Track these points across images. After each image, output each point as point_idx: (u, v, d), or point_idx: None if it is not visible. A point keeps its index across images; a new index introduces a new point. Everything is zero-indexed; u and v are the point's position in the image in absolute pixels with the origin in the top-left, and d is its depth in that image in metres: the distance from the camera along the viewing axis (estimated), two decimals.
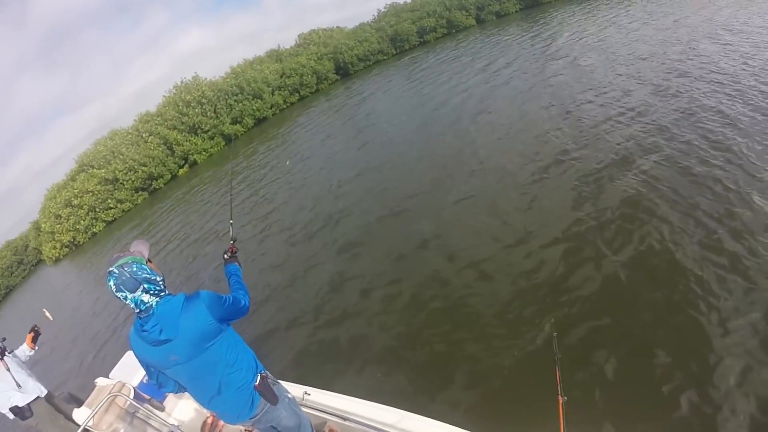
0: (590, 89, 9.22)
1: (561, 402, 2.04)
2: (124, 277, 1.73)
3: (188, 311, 1.79)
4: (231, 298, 1.99)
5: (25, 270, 27.30)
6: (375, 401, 2.64)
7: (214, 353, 1.86)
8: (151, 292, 1.79)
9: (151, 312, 1.78)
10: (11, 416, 3.61)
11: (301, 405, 2.54)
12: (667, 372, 3.07)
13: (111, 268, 1.75)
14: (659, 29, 12.69)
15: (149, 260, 1.88)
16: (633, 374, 3.17)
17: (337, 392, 2.81)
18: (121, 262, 1.78)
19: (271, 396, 2.04)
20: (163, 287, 1.85)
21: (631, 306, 3.74)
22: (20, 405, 3.60)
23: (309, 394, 2.81)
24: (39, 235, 24.99)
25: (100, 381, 3.32)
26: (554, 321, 3.64)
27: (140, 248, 1.91)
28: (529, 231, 5.24)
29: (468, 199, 6.59)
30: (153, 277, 1.81)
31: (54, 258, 23.22)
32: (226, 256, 2.35)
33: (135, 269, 1.77)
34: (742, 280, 3.52)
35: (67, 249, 22.96)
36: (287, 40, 36.46)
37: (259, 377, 2.01)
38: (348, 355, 4.48)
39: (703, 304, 3.46)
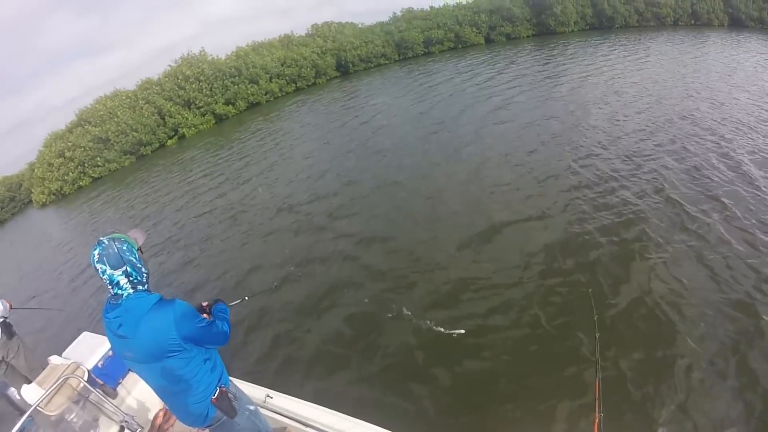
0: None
1: (598, 420, 1.87)
2: (111, 250, 1.71)
3: (153, 316, 1.72)
4: (207, 322, 1.93)
5: (15, 207, 28.91)
6: (338, 410, 2.63)
7: (170, 366, 1.79)
8: (131, 278, 1.75)
9: (120, 302, 1.74)
10: None
11: (261, 408, 2.55)
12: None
13: (101, 238, 1.73)
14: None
15: (140, 249, 1.87)
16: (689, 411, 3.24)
17: (300, 398, 2.81)
18: (114, 236, 1.77)
19: (229, 410, 1.99)
20: (144, 281, 1.81)
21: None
22: (8, 320, 3.61)
23: (271, 398, 2.79)
24: (32, 177, 26.56)
25: (54, 359, 3.18)
26: (598, 323, 3.15)
27: (136, 235, 1.89)
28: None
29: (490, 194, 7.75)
30: (139, 265, 1.79)
31: (41, 203, 24.73)
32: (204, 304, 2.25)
33: (125, 248, 1.75)
34: None
35: (54, 196, 24.38)
36: (318, 19, 36.93)
37: (218, 391, 1.96)
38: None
39: None
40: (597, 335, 2.54)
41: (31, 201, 27.52)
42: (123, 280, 1.73)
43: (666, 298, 4.65)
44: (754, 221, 5.85)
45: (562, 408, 3.49)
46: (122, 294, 1.74)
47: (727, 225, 5.84)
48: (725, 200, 6.44)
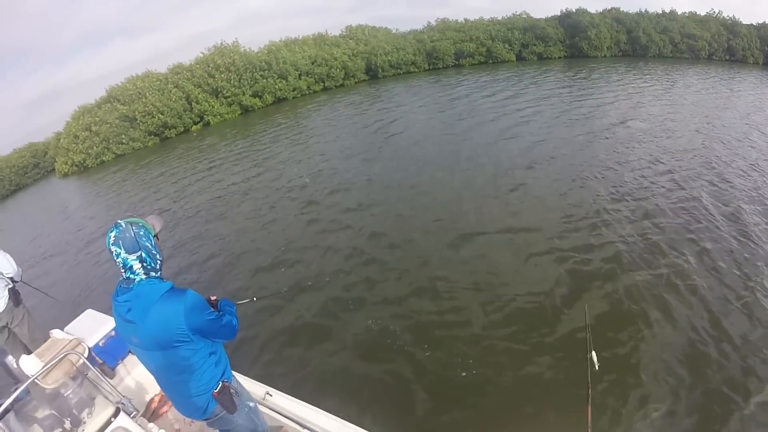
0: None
1: None
2: (127, 234, 1.70)
3: (164, 305, 1.70)
4: (217, 314, 1.91)
5: (38, 174, 29.59)
6: (336, 414, 2.62)
7: (175, 356, 1.78)
8: (145, 264, 1.74)
9: (131, 287, 1.73)
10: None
11: (260, 405, 2.56)
12: None
13: (119, 221, 1.73)
14: None
15: (157, 236, 1.86)
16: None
17: (300, 398, 2.79)
18: (132, 220, 1.76)
19: (229, 405, 1.99)
20: (158, 268, 1.81)
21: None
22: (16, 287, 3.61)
23: (271, 396, 2.79)
24: (57, 147, 27.17)
25: (56, 333, 3.13)
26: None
27: (153, 221, 1.90)
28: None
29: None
30: (154, 252, 1.78)
31: (63, 172, 25.24)
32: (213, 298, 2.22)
33: (142, 233, 1.74)
34: None
35: (76, 168, 24.88)
36: (353, 22, 37.68)
37: (220, 385, 1.95)
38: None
39: None
40: (589, 356, 2.31)
41: (54, 169, 28.10)
42: (137, 265, 1.72)
43: (661, 325, 4.67)
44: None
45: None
46: (134, 279, 1.73)
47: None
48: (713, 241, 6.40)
